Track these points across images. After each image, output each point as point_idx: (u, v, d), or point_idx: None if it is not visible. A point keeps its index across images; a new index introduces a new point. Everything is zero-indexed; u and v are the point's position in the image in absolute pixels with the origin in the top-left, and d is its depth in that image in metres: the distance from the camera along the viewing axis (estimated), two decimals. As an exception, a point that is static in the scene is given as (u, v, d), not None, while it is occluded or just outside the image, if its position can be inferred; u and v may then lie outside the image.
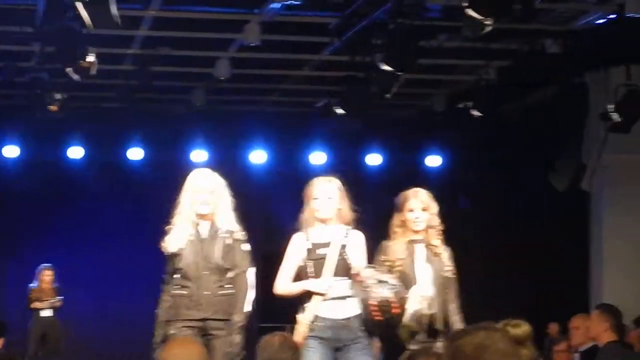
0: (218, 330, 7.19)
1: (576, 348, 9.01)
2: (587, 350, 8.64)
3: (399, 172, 17.11)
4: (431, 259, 7.38)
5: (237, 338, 7.10)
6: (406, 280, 7.23)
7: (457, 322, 7.30)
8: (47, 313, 15.47)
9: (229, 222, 7.28)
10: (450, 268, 7.44)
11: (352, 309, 7.15)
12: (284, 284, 7.29)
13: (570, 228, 15.72)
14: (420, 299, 7.18)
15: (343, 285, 7.20)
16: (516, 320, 5.21)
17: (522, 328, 5.06)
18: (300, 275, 7.28)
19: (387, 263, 7.28)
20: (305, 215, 7.34)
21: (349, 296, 7.17)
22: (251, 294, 7.24)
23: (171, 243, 7.27)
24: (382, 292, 6.91)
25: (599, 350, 8.22)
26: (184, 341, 5.81)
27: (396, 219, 7.46)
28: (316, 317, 7.16)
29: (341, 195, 7.36)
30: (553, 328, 14.83)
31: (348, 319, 7.14)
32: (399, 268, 7.28)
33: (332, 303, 7.19)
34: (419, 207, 7.40)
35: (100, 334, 17.15)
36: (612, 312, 8.30)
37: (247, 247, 7.31)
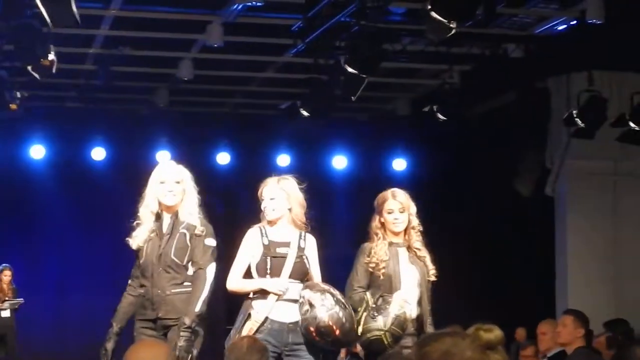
0: (173, 328, 6.92)
1: (544, 353, 9.01)
2: (555, 356, 8.66)
3: (365, 175, 17.13)
4: (415, 261, 7.30)
5: (182, 341, 6.70)
6: (391, 283, 7.14)
7: (429, 325, 7.25)
8: (5, 314, 15.32)
9: (191, 216, 7.02)
10: (434, 272, 7.37)
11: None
12: (238, 281, 7.08)
13: (535, 232, 15.76)
14: (404, 303, 7.07)
15: (296, 288, 7.02)
16: (488, 324, 5.18)
17: (495, 333, 5.03)
18: (254, 272, 7.09)
19: (371, 265, 7.18)
20: (261, 215, 7.21)
21: (297, 300, 6.98)
22: (205, 293, 6.88)
23: (135, 240, 7.09)
24: (319, 316, 6.76)
25: (566, 355, 8.23)
26: (149, 343, 5.72)
27: (375, 221, 7.34)
28: (266, 319, 6.97)
29: (288, 197, 7.18)
30: (520, 333, 14.84)
31: (296, 322, 6.93)
32: (383, 270, 7.17)
33: (284, 305, 7.01)
34: (397, 208, 7.30)
35: (56, 336, 17.02)
36: (584, 319, 8.33)
37: (210, 242, 7.02)
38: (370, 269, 7.20)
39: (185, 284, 6.96)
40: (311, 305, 6.80)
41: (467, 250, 16.82)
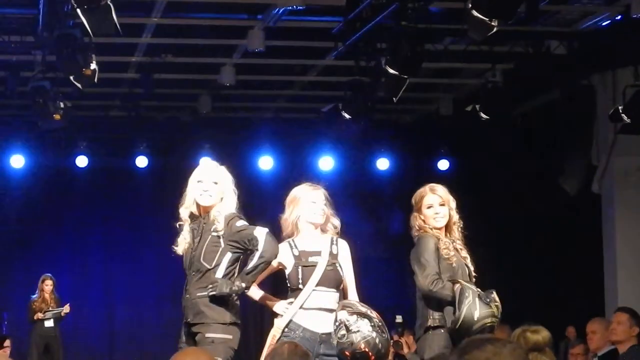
0: (197, 333, 6.76)
1: (595, 352, 8.87)
2: (606, 354, 8.52)
3: (408, 176, 17.05)
4: (459, 259, 6.96)
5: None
6: (462, 274, 6.85)
7: None
8: (49, 324, 15.30)
9: (220, 216, 6.74)
10: (474, 274, 7.06)
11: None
12: (252, 289, 6.94)
13: (583, 230, 15.61)
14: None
15: (329, 297, 6.90)
16: (535, 325, 5.09)
17: (542, 334, 4.96)
18: (288, 282, 6.94)
19: (444, 253, 6.82)
20: (292, 220, 6.97)
21: (334, 309, 6.79)
22: (258, 256, 6.61)
23: (179, 246, 6.89)
24: (356, 342, 6.50)
25: (618, 354, 8.10)
26: (192, 351, 5.65)
27: (415, 220, 6.98)
28: (296, 325, 6.85)
29: (328, 203, 7.03)
30: (571, 331, 14.70)
31: (329, 333, 6.75)
32: (455, 259, 6.85)
33: (318, 314, 6.88)
34: (437, 202, 6.94)
35: (103, 346, 17.10)
36: (630, 315, 8.20)
37: (241, 222, 6.70)
38: (446, 256, 6.82)
39: (210, 286, 6.72)
40: (348, 329, 6.57)
41: (514, 249, 16.70)
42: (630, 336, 8.04)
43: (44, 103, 12.24)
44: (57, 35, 10.38)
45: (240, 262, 6.80)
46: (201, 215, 6.85)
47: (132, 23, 12.21)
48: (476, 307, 6.62)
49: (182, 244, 6.89)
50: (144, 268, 17.01)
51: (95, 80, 11.07)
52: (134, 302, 17.10)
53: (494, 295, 6.77)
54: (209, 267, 6.73)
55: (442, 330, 6.80)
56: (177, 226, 6.93)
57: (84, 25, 9.15)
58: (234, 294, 6.70)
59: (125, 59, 13.87)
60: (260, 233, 6.64)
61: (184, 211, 6.87)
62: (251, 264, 6.65)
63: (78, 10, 8.98)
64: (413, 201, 7.09)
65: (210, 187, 6.79)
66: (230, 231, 6.70)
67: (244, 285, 6.67)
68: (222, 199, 6.80)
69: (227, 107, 16.64)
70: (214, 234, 6.74)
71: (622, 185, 14.75)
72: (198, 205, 6.85)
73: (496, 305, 6.72)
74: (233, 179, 6.92)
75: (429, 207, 6.97)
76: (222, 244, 6.73)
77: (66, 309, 15.24)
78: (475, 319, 6.60)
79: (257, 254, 6.61)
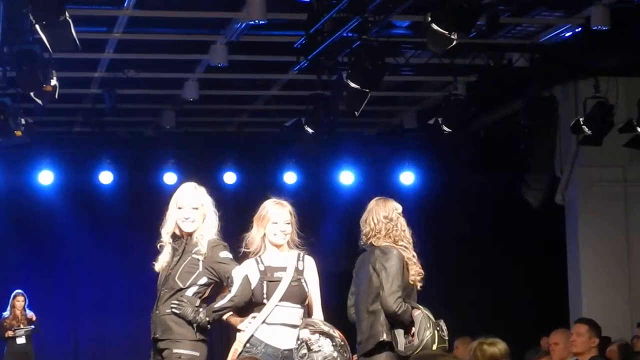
0: (165, 349, 6.88)
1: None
2: (570, 366, 8.57)
3: (373, 190, 17.05)
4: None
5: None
6: (413, 294, 7.08)
7: None
8: (21, 340, 15.21)
9: (203, 239, 6.92)
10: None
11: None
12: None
13: (547, 241, 15.69)
14: None
15: (293, 313, 6.89)
16: (491, 338, 5.12)
17: (499, 346, 4.99)
18: (253, 296, 6.90)
19: (413, 278, 7.04)
20: (258, 238, 6.96)
21: (297, 325, 6.80)
22: (224, 299, 6.83)
23: (158, 263, 7.08)
24: None
25: (580, 365, 8.15)
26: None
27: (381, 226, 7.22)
28: (258, 341, 6.83)
29: (293, 220, 7.03)
30: (545, 341, 14.72)
31: (291, 350, 6.77)
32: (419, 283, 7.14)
33: (281, 330, 6.85)
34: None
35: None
36: (598, 328, 8.25)
37: (225, 255, 6.89)
38: (412, 282, 7.03)
39: (175, 303, 6.86)
40: (309, 348, 6.62)
41: (478, 261, 16.75)
42: (590, 347, 8.08)
43: (5, 119, 12.14)
44: (16, 51, 10.31)
45: (212, 287, 6.95)
46: (183, 237, 7.05)
47: (94, 38, 12.18)
48: (435, 339, 6.79)
49: (161, 262, 7.06)
50: (109, 284, 16.93)
51: (56, 96, 11.02)
52: (100, 317, 17.01)
53: (443, 324, 6.93)
54: (182, 286, 6.90)
55: (393, 352, 6.93)
56: (159, 246, 7.11)
57: (44, 40, 9.11)
58: (193, 323, 6.81)
59: (87, 75, 13.82)
60: (238, 275, 6.82)
61: (165, 235, 7.08)
62: (220, 303, 6.85)
63: (37, 26, 8.93)
64: (384, 211, 7.15)
65: (190, 214, 7.00)
66: (212, 259, 6.91)
67: (207, 320, 6.83)
68: (203, 220, 6.98)
69: (190, 122, 16.60)
70: (195, 256, 6.94)
71: (585, 196, 14.84)
72: (180, 229, 7.05)
73: (446, 336, 6.88)
74: (212, 200, 7.05)
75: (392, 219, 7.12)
76: (200, 267, 6.92)
77: (33, 328, 15.15)
78: (431, 350, 6.75)
79: (228, 296, 6.82)
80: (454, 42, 9.63)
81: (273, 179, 16.84)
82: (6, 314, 15.34)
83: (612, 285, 14.54)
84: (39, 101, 11.06)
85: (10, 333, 15.11)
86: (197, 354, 6.83)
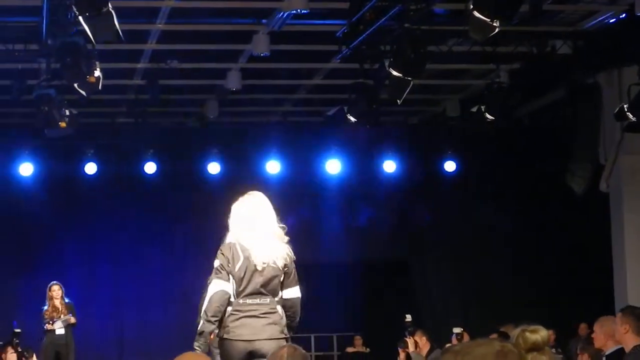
0: None
1: (603, 351, 8.84)
2: (613, 354, 8.48)
3: (416, 177, 17.05)
4: None
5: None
6: None
7: None
8: (60, 331, 15.15)
9: None
10: None
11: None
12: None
13: (591, 229, 15.58)
14: None
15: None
16: (534, 325, 5.08)
17: (540, 334, 4.92)
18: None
19: None
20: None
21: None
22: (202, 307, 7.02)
23: None
24: None
25: (624, 354, 8.07)
26: (186, 355, 5.68)
27: None
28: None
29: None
30: (583, 329, 14.65)
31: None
32: None
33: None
34: None
35: (112, 351, 17.10)
36: (634, 315, 8.13)
37: (216, 262, 7.00)
38: None
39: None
40: None
41: (523, 249, 16.68)
42: (624, 333, 8.00)
43: (50, 111, 12.24)
44: (60, 42, 10.40)
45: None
46: None
47: (137, 29, 12.24)
48: None
49: None
50: (152, 273, 17.04)
51: (100, 87, 11.09)
52: (143, 306, 17.11)
53: None
54: None
55: None
56: None
57: (87, 32, 9.18)
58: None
59: (130, 66, 13.89)
60: (208, 292, 6.98)
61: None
62: (199, 327, 6.95)
63: (80, 18, 9.00)
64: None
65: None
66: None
67: (199, 348, 6.85)
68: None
69: (233, 112, 16.65)
70: None
71: (630, 184, 14.71)
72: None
73: None
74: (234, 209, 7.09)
75: None
76: None
77: (72, 319, 15.12)
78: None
79: (201, 320, 6.94)
80: (496, 30, 9.59)
81: (316, 168, 16.86)
82: (45, 307, 15.20)
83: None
84: (83, 92, 11.14)
85: (48, 326, 15.01)
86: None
